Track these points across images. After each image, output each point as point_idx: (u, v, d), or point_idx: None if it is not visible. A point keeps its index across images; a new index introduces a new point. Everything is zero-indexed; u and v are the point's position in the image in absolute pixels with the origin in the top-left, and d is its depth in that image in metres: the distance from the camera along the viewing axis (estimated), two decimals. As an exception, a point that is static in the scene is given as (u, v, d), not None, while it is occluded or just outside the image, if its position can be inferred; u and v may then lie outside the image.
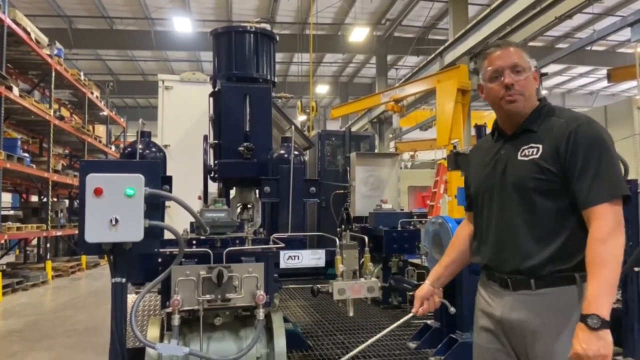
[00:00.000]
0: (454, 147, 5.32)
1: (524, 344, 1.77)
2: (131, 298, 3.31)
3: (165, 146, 6.09)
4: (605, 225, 1.63)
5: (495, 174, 1.90)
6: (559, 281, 1.72)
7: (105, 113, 16.26)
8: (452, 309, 3.55)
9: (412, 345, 4.25)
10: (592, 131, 1.73)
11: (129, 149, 3.77)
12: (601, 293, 1.58)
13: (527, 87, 1.83)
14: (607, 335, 1.55)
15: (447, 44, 11.52)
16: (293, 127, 4.55)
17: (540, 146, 1.78)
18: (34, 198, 14.75)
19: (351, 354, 2.49)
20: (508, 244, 1.82)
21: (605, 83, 23.10)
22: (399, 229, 5.34)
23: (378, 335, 2.33)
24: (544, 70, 4.62)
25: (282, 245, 3.27)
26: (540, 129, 1.81)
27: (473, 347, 2.03)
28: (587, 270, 1.64)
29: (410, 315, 2.20)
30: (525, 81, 1.83)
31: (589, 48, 16.49)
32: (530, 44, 12.65)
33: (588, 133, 1.72)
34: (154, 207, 2.63)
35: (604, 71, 17.60)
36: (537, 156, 1.77)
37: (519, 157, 1.82)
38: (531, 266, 1.75)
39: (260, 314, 2.77)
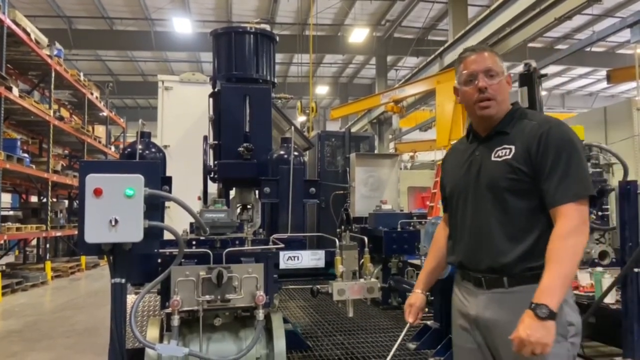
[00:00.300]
0: (454, 148, 5.31)
1: (498, 341, 1.80)
2: (131, 298, 3.32)
3: (165, 147, 6.10)
4: (569, 223, 1.69)
5: (469, 175, 1.94)
6: (531, 279, 1.76)
7: (105, 113, 16.26)
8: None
9: (412, 346, 4.24)
10: (562, 133, 1.79)
11: (129, 150, 3.76)
12: (554, 286, 1.64)
13: (500, 91, 1.89)
14: (551, 326, 1.60)
15: (446, 45, 11.54)
16: (293, 127, 4.55)
17: (513, 147, 1.83)
18: (34, 198, 14.74)
19: None
20: (483, 244, 1.86)
21: (604, 84, 23.09)
22: (399, 229, 5.32)
23: (394, 348, 2.33)
24: (543, 72, 4.61)
25: (282, 245, 3.27)
26: (513, 130, 1.87)
27: (453, 347, 2.06)
28: (545, 263, 1.68)
29: (408, 325, 2.24)
30: (498, 85, 1.89)
31: (588, 49, 16.55)
32: (530, 45, 12.67)
33: (558, 135, 1.78)
34: (154, 208, 2.64)
35: (603, 72, 17.59)
36: (510, 157, 1.82)
37: (493, 158, 1.87)
38: (505, 263, 1.79)
39: (260, 314, 2.76)
